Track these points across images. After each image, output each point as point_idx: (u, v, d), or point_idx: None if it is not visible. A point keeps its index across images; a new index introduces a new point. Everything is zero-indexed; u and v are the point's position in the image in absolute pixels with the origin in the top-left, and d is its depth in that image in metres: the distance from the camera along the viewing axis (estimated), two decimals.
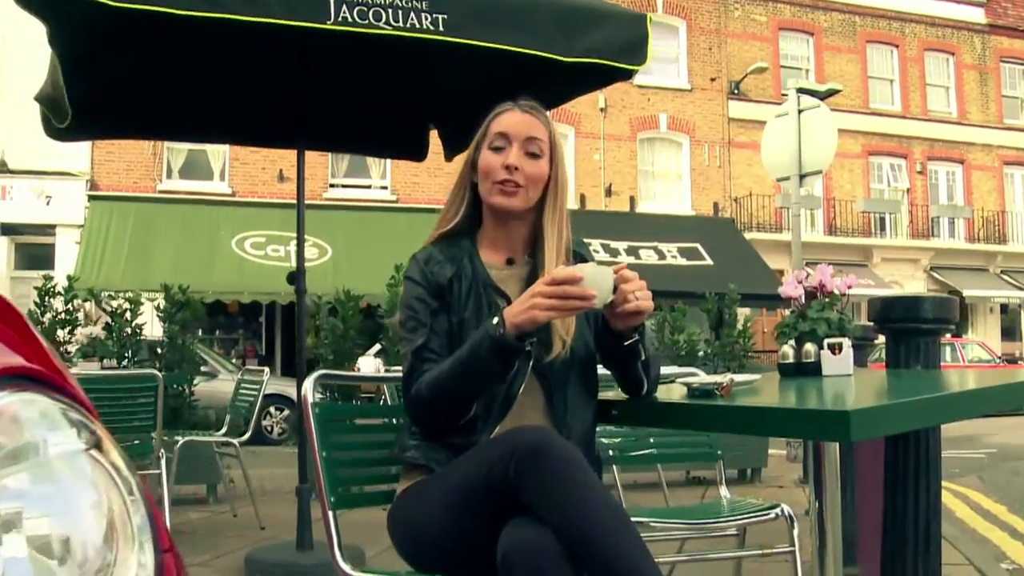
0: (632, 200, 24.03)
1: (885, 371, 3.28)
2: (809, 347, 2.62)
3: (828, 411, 1.72)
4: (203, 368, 14.28)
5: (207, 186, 21.45)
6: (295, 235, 4.91)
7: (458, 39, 3.85)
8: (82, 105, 4.80)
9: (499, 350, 2.03)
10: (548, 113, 2.39)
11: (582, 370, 2.29)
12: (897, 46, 27.57)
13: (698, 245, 22.51)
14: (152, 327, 8.40)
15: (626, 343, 2.20)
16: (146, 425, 5.20)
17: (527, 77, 4.55)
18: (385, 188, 22.61)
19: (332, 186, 22.18)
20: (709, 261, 21.90)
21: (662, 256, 22.14)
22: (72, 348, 7.06)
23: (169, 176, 21.49)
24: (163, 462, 5.19)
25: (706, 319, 9.36)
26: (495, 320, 2.05)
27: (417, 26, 3.77)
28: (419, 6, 3.76)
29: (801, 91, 9.66)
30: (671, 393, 2.34)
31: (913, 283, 25.83)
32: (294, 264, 4.78)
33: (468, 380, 2.11)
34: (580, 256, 2.36)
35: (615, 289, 2.10)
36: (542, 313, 1.99)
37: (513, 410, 2.20)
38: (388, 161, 21.98)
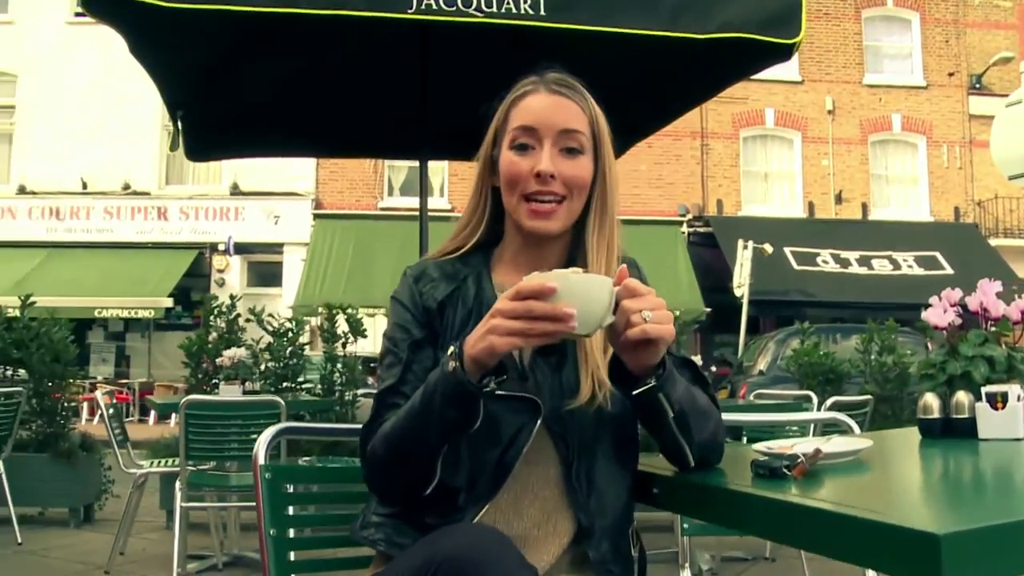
0: (864, 207, 22.53)
1: None
2: (961, 397, 1.87)
3: (907, 531, 1.05)
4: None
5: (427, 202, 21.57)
6: None
7: (563, 24, 3.28)
8: (192, 123, 4.61)
9: (452, 392, 1.47)
10: (591, 97, 1.76)
11: (615, 428, 1.66)
12: None
13: (937, 254, 20.82)
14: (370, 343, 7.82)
15: (636, 391, 1.54)
16: (274, 454, 4.85)
17: (665, 68, 3.98)
18: None
19: None
20: (949, 270, 20.18)
21: (897, 266, 20.62)
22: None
23: (390, 193, 21.85)
24: None
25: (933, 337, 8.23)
26: (451, 349, 1.49)
27: (514, 11, 3.24)
28: None
29: None
30: (737, 464, 1.64)
31: None
32: None
33: (423, 433, 1.54)
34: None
35: (616, 308, 1.46)
36: (500, 339, 1.42)
37: (513, 483, 1.60)
38: None
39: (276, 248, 21.56)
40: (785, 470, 1.45)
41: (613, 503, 1.65)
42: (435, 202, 21.48)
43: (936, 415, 1.91)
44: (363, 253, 20.15)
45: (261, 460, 1.87)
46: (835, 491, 1.40)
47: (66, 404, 7.06)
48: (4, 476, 6.11)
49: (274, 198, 21.45)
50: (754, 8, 3.35)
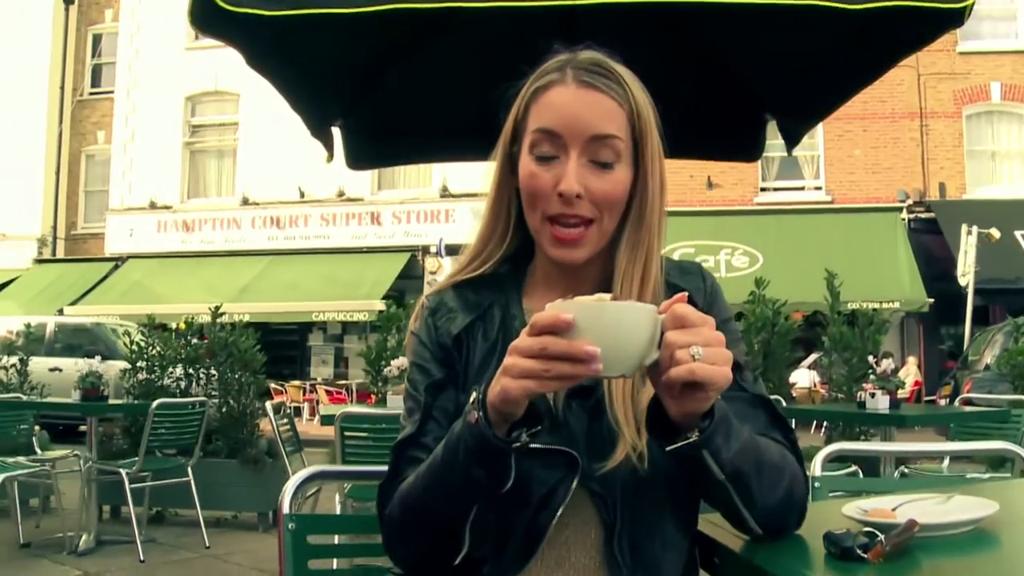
0: None
1: None
2: None
3: None
4: None
5: None
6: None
7: None
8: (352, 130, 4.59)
9: (477, 448, 1.23)
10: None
11: (670, 480, 1.37)
12: None
13: None
14: None
15: (670, 447, 1.24)
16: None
17: (823, 45, 3.62)
18: (819, 189, 21.31)
19: (763, 190, 21.27)
20: None
21: None
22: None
23: None
24: None
25: None
26: (473, 396, 1.25)
27: None
28: None
29: None
30: (810, 535, 1.29)
31: None
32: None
33: (446, 495, 1.31)
34: (675, 289, 1.31)
35: (660, 343, 1.18)
36: (513, 383, 1.17)
37: (547, 550, 1.36)
38: (821, 160, 20.95)
39: None
40: (860, 551, 1.15)
41: (666, 573, 1.38)
42: None
43: None
44: None
45: (286, 509, 1.70)
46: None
47: (253, 410, 7.26)
48: (193, 481, 6.31)
49: (483, 199, 21.62)
50: None
